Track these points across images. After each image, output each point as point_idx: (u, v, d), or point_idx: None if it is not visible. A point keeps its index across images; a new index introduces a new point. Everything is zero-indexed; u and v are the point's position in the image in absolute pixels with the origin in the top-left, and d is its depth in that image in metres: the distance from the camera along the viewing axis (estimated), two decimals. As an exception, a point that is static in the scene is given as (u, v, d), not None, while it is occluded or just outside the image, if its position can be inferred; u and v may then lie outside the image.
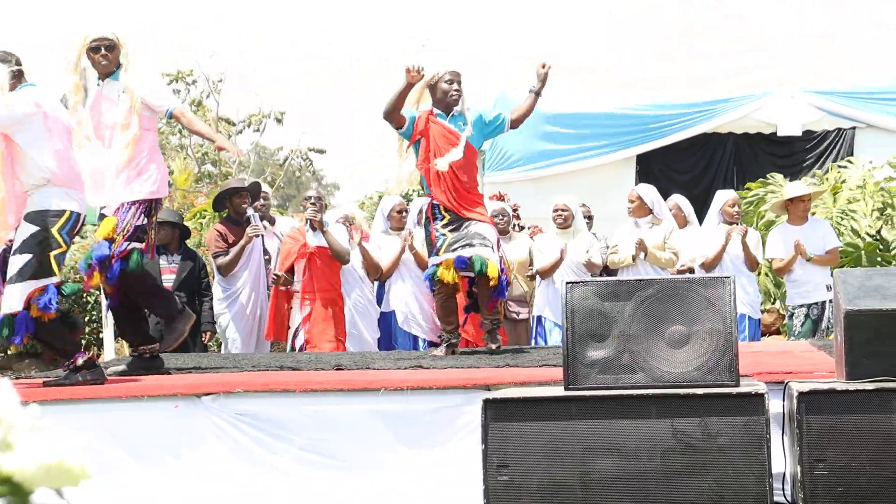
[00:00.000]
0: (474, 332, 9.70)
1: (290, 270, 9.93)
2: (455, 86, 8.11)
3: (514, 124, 8.25)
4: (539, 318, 10.56)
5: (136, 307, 7.55)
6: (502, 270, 7.95)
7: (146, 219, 7.20)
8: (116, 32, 7.20)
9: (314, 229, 9.87)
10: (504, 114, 8.27)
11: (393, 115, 8.04)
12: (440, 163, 7.91)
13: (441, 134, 8.04)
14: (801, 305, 9.99)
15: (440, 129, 8.05)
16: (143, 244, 7.24)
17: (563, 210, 10.66)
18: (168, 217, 10.50)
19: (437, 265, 7.96)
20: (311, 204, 9.95)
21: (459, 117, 8.09)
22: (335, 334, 9.85)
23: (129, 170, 7.13)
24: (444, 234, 8.01)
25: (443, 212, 8.04)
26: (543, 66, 8.10)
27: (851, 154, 13.95)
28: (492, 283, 7.88)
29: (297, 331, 9.87)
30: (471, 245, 7.90)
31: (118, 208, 7.15)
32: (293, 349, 9.78)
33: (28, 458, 1.54)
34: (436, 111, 8.14)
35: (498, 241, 8.17)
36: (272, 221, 10.80)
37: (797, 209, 10.19)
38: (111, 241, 7.08)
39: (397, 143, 8.41)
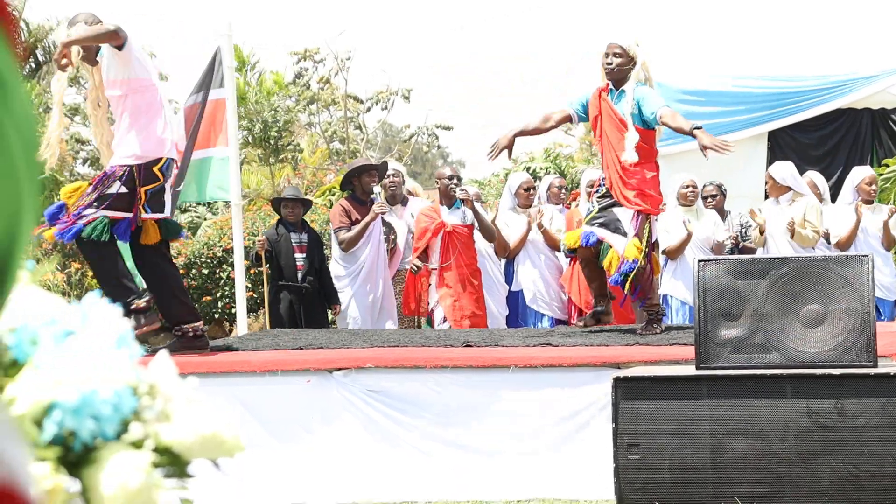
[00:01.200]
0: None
1: (424, 250, 10.00)
2: (609, 59, 7.85)
3: (662, 125, 7.90)
4: (665, 296, 10.42)
5: (159, 283, 7.18)
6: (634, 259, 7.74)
7: (124, 186, 6.84)
8: None
9: (450, 206, 9.94)
10: (659, 111, 7.70)
11: (545, 132, 8.17)
12: (626, 156, 7.71)
13: (608, 115, 7.86)
14: None
15: (607, 109, 7.86)
16: (125, 213, 6.87)
17: (693, 187, 10.53)
18: (293, 193, 10.62)
19: (567, 232, 7.92)
20: (450, 181, 10.04)
21: (622, 95, 7.84)
22: (473, 310, 9.91)
23: (116, 135, 7.10)
24: (593, 206, 7.97)
25: (603, 186, 7.96)
26: (721, 146, 7.57)
27: None
28: (609, 273, 7.75)
29: (435, 307, 9.94)
30: (605, 226, 7.79)
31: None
32: (431, 324, 9.84)
33: (185, 429, 1.59)
34: (610, 86, 7.93)
35: (642, 227, 7.91)
36: (405, 202, 10.86)
37: None
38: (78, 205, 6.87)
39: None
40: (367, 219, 9.92)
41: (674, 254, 10.27)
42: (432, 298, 9.94)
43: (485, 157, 8.08)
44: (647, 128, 7.79)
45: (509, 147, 7.93)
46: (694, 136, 7.64)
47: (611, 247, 7.72)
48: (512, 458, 6.32)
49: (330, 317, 10.71)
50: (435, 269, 9.87)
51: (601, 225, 7.81)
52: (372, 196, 10.12)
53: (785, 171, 10.45)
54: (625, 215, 7.80)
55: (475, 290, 9.99)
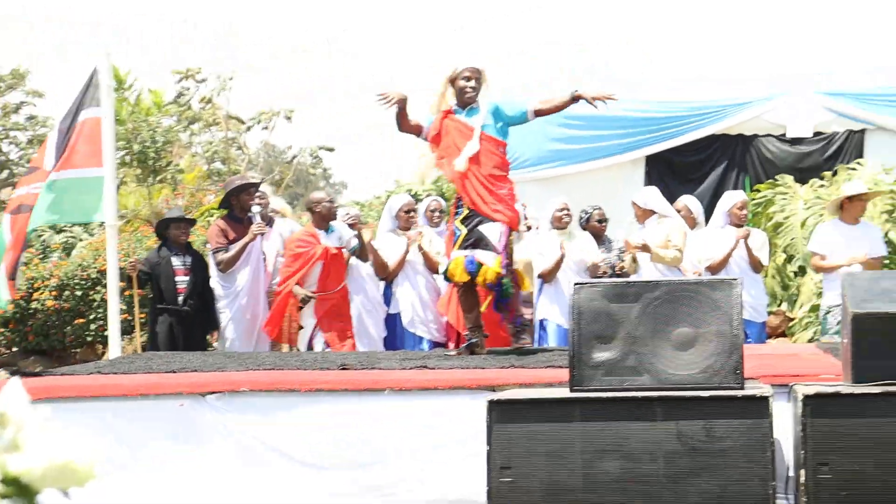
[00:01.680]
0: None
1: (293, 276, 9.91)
2: (472, 83, 8.01)
3: (539, 114, 8.03)
4: (542, 321, 10.51)
5: None
6: (503, 275, 7.89)
7: None
8: None
9: (327, 230, 9.90)
10: (525, 103, 8.07)
11: (405, 130, 8.11)
12: (458, 162, 7.85)
13: (457, 130, 7.97)
14: (838, 306, 9.81)
15: (456, 125, 7.98)
16: None
17: (567, 210, 10.63)
18: (179, 214, 10.46)
19: (449, 262, 7.95)
20: (331, 204, 10.02)
21: (475, 110, 8.02)
22: (349, 333, 9.89)
23: None
24: (459, 229, 8.00)
25: (462, 206, 8.02)
26: (604, 96, 7.84)
27: (861, 156, 13.91)
28: (480, 287, 7.91)
29: (314, 331, 9.85)
30: (475, 245, 7.89)
31: None
32: (310, 349, 9.75)
33: (36, 458, 1.55)
34: (454, 108, 8.08)
35: (507, 242, 8.07)
36: (270, 222, 10.80)
37: (853, 208, 9.91)
38: None
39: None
40: (246, 239, 9.83)
41: (548, 276, 10.35)
42: (307, 322, 9.85)
43: (377, 99, 7.99)
44: (502, 138, 7.98)
45: (400, 103, 7.96)
46: (578, 99, 7.88)
47: (482, 264, 7.82)
48: (388, 481, 6.30)
49: (209, 340, 10.57)
50: (313, 297, 9.77)
51: (473, 246, 7.88)
52: (250, 215, 10.03)
53: (647, 195, 10.65)
54: (492, 232, 7.88)
55: (348, 313, 9.99)
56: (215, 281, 10.07)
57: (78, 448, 1.60)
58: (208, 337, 10.18)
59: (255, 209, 10.02)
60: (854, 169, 13.07)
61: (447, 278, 8.15)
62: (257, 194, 10.50)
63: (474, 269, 7.81)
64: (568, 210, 10.65)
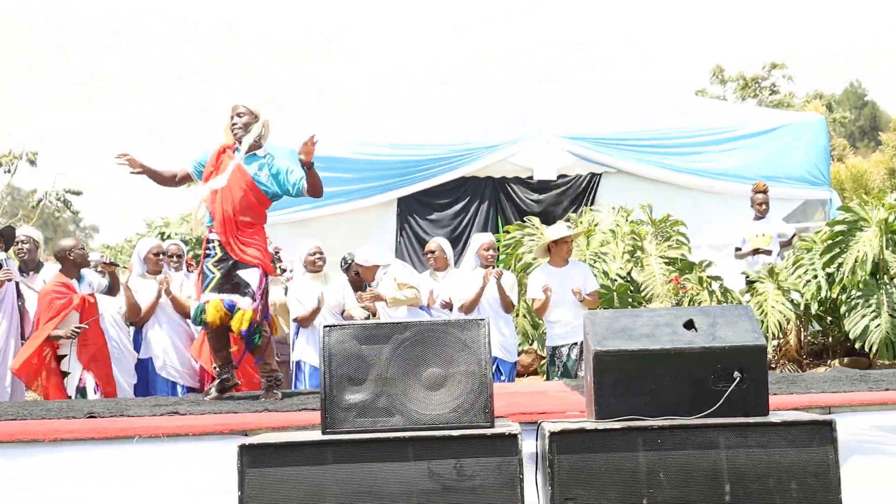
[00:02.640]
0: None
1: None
2: (234, 119, 8.02)
3: (308, 193, 8.06)
4: (298, 362, 10.50)
5: None
6: (259, 322, 7.91)
7: None
8: None
9: (79, 278, 9.65)
10: (302, 180, 8.03)
11: (167, 185, 8.13)
12: (216, 180, 7.83)
13: (234, 172, 7.93)
14: (563, 346, 10.18)
15: (234, 166, 7.95)
16: None
17: (320, 253, 10.65)
18: None
19: (204, 303, 7.85)
20: (80, 250, 9.75)
21: (253, 157, 7.99)
22: (112, 378, 9.68)
23: None
24: (212, 272, 7.91)
25: (216, 248, 7.94)
26: (311, 143, 7.84)
27: (599, 197, 14.49)
28: (236, 333, 7.90)
29: (81, 376, 9.53)
30: (234, 290, 7.85)
31: None
32: (82, 394, 9.43)
33: None
34: (235, 145, 8.04)
35: (265, 287, 8.07)
36: (38, 268, 10.45)
37: (559, 251, 10.40)
38: None
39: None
40: None
41: (305, 322, 10.35)
42: (75, 368, 9.52)
43: (113, 159, 7.91)
44: (267, 197, 8.01)
45: (137, 167, 7.94)
46: (307, 163, 7.91)
47: (240, 308, 7.78)
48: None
49: None
50: (78, 330, 9.46)
51: (231, 290, 7.83)
52: None
53: (366, 254, 10.78)
54: (252, 277, 7.86)
55: (108, 357, 9.78)
56: None
57: None
58: None
59: (2, 255, 9.67)
60: (598, 211, 13.55)
61: (200, 321, 8.04)
62: (22, 240, 10.24)
63: (233, 310, 7.77)
64: (321, 253, 10.67)
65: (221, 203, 7.94)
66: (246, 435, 6.01)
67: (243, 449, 5.34)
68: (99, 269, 10.24)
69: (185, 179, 8.22)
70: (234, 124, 8.01)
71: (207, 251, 8.00)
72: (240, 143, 8.02)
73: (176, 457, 6.22)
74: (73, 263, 9.67)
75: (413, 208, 14.83)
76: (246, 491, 5.29)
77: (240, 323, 7.80)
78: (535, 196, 14.93)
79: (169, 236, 19.31)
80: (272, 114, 8.23)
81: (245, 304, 7.80)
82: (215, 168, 8.02)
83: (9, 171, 24.95)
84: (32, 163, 24.91)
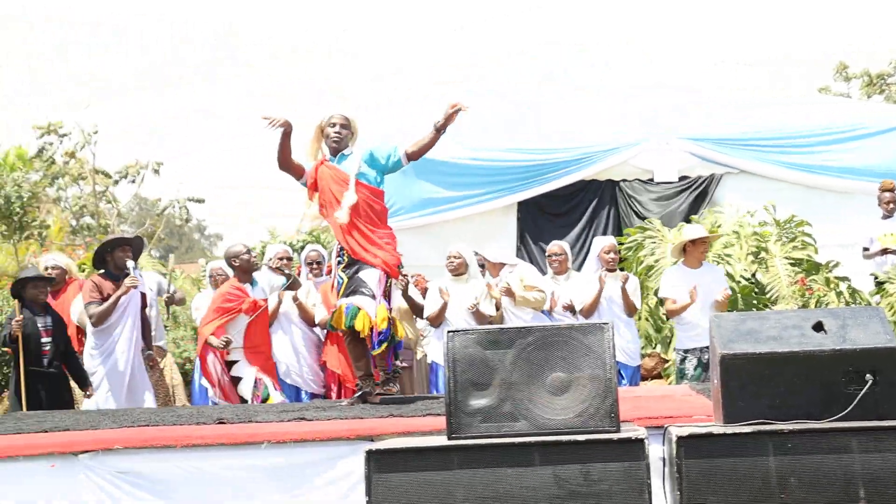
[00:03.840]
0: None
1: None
2: (336, 128, 8.04)
3: (412, 157, 8.06)
4: (433, 364, 10.50)
5: None
6: (388, 320, 7.90)
7: None
8: None
9: (252, 283, 9.79)
10: (397, 147, 8.08)
11: (285, 167, 8.03)
12: (339, 215, 7.82)
13: (333, 179, 7.95)
14: (694, 349, 10.00)
15: (331, 173, 7.97)
16: None
17: (455, 258, 10.52)
18: (35, 272, 10.18)
19: (357, 309, 7.86)
20: (246, 255, 9.85)
21: (345, 157, 8.03)
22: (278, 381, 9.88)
23: None
24: (342, 278, 7.97)
25: (345, 256, 7.99)
26: (454, 107, 7.81)
27: (722, 199, 14.30)
28: (362, 334, 7.84)
29: (256, 383, 9.70)
30: (354, 292, 7.88)
31: None
32: (252, 401, 9.63)
33: None
34: (328, 157, 8.09)
35: (386, 287, 8.08)
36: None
37: (696, 252, 10.20)
38: None
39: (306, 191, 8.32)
40: (119, 292, 9.68)
41: (434, 321, 10.35)
42: (247, 373, 9.66)
43: (261, 121, 7.93)
44: (378, 186, 8.00)
45: (285, 127, 7.88)
46: (442, 128, 7.90)
47: (360, 308, 7.79)
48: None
49: (82, 400, 10.30)
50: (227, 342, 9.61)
51: (352, 293, 7.87)
52: (126, 270, 9.88)
53: (495, 251, 10.76)
54: (371, 277, 7.89)
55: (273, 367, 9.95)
56: (89, 336, 9.89)
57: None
58: (84, 394, 9.95)
59: (130, 264, 9.87)
60: (721, 212, 13.38)
61: (332, 328, 8.12)
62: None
63: (353, 314, 7.80)
64: (455, 258, 10.45)
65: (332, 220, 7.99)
66: (372, 440, 6.05)
67: (370, 454, 5.38)
68: (277, 268, 10.30)
69: (297, 171, 8.20)
70: (331, 135, 8.05)
71: (339, 257, 8.06)
72: (334, 155, 8.05)
73: (303, 462, 6.28)
74: (240, 269, 9.80)
75: (533, 212, 14.80)
76: (373, 496, 5.33)
77: (362, 325, 7.81)
78: (656, 198, 14.79)
79: (293, 244, 19.51)
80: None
81: (364, 304, 7.82)
82: (319, 179, 8.02)
83: (134, 181, 25.49)
84: (157, 172, 25.42)
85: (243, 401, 9.45)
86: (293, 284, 10.04)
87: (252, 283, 9.77)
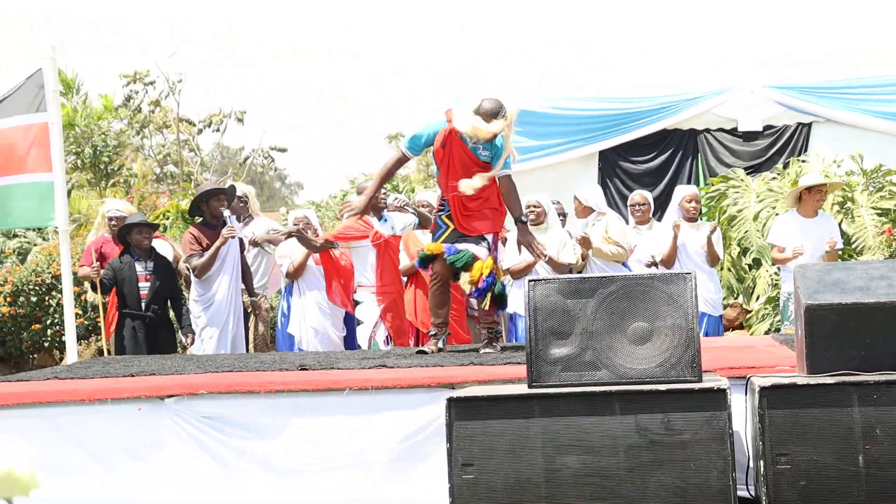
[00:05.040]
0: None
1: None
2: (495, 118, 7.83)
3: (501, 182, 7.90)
4: (513, 315, 10.44)
5: None
6: (498, 272, 7.90)
7: None
8: None
9: (379, 218, 9.93)
10: (509, 160, 7.89)
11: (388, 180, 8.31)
12: (463, 186, 7.73)
13: (460, 154, 7.83)
14: None
15: (460, 150, 7.85)
16: None
17: (535, 207, 10.39)
18: (140, 219, 10.29)
19: (462, 250, 7.82)
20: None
21: (488, 147, 7.87)
22: (404, 329, 9.99)
23: None
24: (445, 224, 7.95)
25: (446, 204, 7.94)
26: (536, 249, 8.02)
27: (809, 148, 14.07)
28: (472, 278, 7.79)
29: (376, 325, 9.84)
30: (466, 240, 7.85)
31: None
32: (370, 343, 9.78)
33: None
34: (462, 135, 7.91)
35: (495, 245, 8.04)
36: (248, 222, 10.85)
37: (811, 200, 10.02)
38: None
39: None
40: (217, 243, 9.84)
41: (518, 275, 10.19)
42: (369, 318, 9.75)
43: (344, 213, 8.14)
44: (485, 160, 7.90)
45: (363, 211, 8.25)
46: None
47: (476, 257, 7.78)
48: (349, 481, 6.29)
49: (184, 345, 10.47)
50: (363, 285, 9.73)
51: (464, 241, 7.85)
52: (223, 219, 10.03)
53: (588, 193, 10.71)
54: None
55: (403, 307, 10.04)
56: (193, 286, 10.06)
57: (18, 457, 1.58)
58: (184, 341, 10.13)
59: (226, 213, 10.00)
60: (806, 161, 13.19)
61: (423, 261, 8.04)
62: (240, 196, 10.62)
63: (453, 252, 7.78)
64: (534, 207, 10.32)
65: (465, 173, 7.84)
66: (453, 388, 6.08)
67: (451, 402, 5.41)
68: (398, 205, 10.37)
69: (402, 163, 8.27)
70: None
71: (441, 206, 8.04)
72: (479, 142, 7.86)
73: (384, 408, 6.33)
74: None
75: (614, 161, 14.69)
76: (454, 443, 5.37)
77: (479, 272, 7.78)
78: (740, 148, 14.60)
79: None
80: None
81: (482, 255, 7.82)
82: (445, 149, 7.88)
83: (218, 130, 25.67)
84: (240, 121, 25.57)
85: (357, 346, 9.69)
86: (422, 225, 10.02)
87: (381, 218, 9.93)
